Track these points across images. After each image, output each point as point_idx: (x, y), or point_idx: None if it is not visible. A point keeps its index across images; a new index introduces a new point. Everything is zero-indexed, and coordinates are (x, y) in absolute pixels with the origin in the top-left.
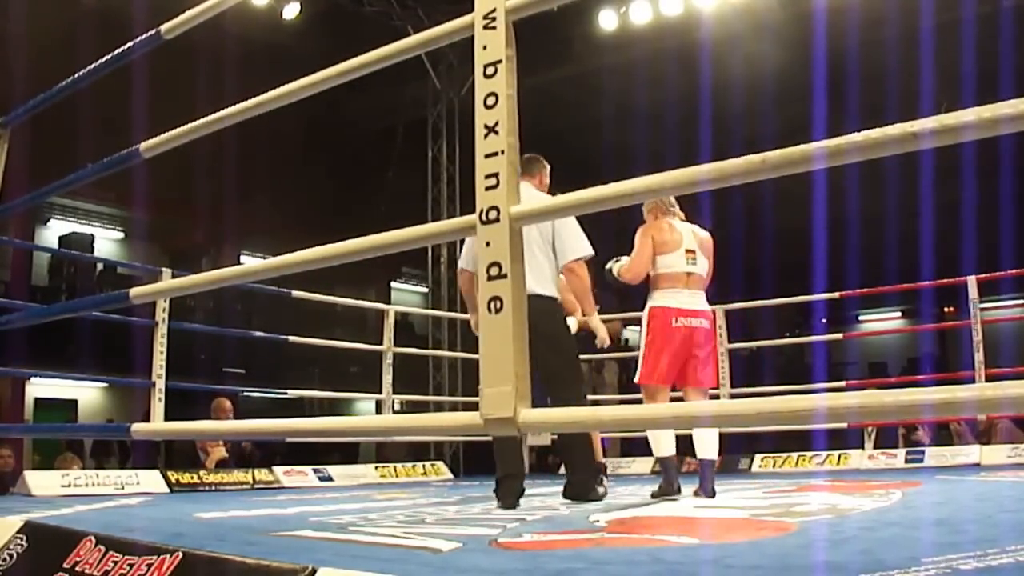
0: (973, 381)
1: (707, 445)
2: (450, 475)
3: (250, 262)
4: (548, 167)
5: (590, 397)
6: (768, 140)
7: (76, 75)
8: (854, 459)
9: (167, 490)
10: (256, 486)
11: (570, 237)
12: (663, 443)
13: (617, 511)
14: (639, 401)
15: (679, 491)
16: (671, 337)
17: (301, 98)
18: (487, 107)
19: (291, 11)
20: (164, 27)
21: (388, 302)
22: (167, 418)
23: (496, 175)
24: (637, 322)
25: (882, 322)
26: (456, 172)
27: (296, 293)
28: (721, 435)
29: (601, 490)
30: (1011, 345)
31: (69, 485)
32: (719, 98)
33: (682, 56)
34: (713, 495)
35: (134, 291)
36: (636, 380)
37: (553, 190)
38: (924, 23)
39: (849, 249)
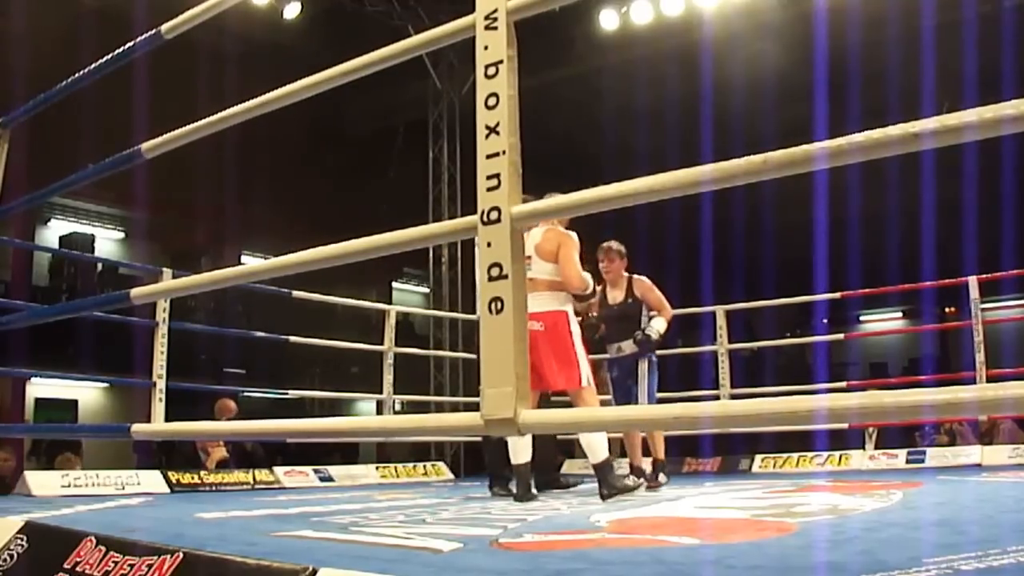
0: (974, 382)
1: (591, 450)
2: (451, 475)
3: (251, 262)
4: None
5: None
6: (769, 140)
7: (76, 75)
8: (855, 460)
9: (168, 490)
10: (257, 486)
11: None
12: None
13: (618, 511)
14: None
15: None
16: None
17: (302, 98)
18: (488, 107)
19: (292, 11)
20: (164, 27)
21: (389, 302)
22: (168, 418)
23: (497, 176)
24: None
25: (883, 322)
26: (457, 172)
27: (297, 293)
28: (721, 435)
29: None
30: (1012, 346)
31: (69, 485)
32: (720, 98)
33: (683, 56)
34: (607, 496)
35: (135, 291)
36: None
37: (554, 190)
38: (925, 23)
39: (850, 249)
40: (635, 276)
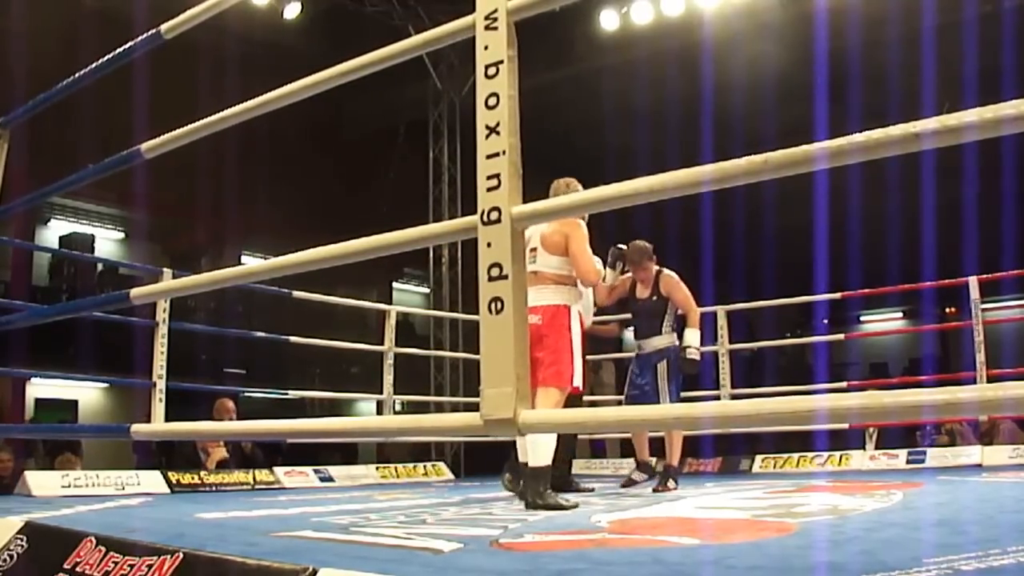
0: (974, 382)
1: (534, 450)
2: (451, 476)
3: (251, 262)
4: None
5: (589, 398)
6: (769, 140)
7: (76, 75)
8: (855, 460)
9: (168, 490)
10: (257, 486)
11: None
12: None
13: (619, 512)
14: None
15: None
16: None
17: (302, 98)
18: (488, 107)
19: (292, 11)
20: (164, 27)
21: (389, 302)
22: (168, 418)
23: (497, 176)
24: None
25: (883, 323)
26: (457, 172)
27: (297, 293)
28: (722, 435)
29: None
30: (1013, 346)
31: (69, 486)
32: (720, 98)
33: (683, 56)
34: (530, 505)
35: (135, 291)
36: None
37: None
38: (926, 23)
39: (850, 249)
40: (663, 272)
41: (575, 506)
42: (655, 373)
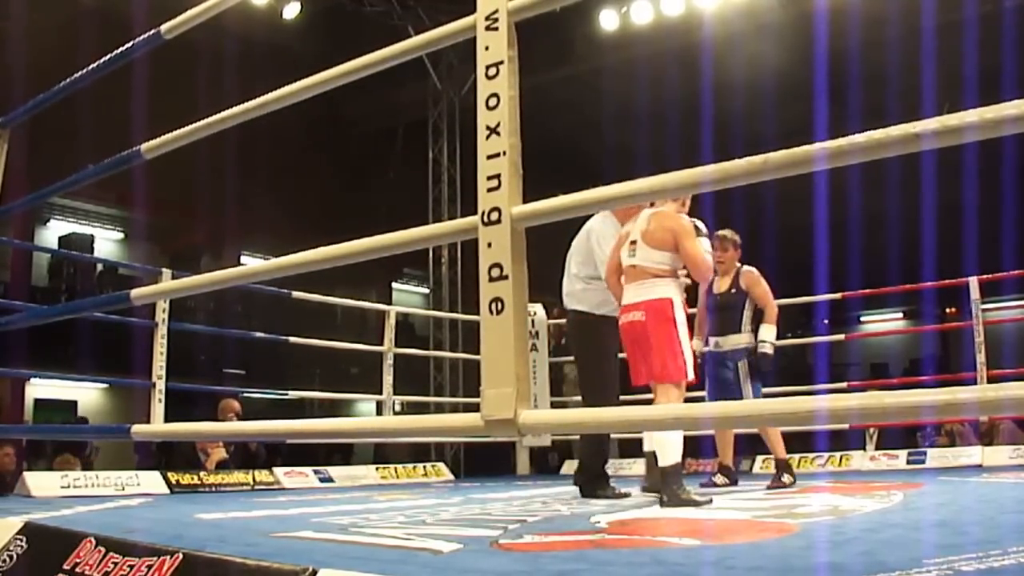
0: (975, 382)
1: (661, 451)
2: (451, 476)
3: (251, 263)
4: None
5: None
6: (769, 140)
7: (76, 75)
8: (856, 460)
9: (167, 491)
10: (256, 487)
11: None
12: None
13: (619, 512)
14: (640, 402)
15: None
16: (624, 336)
17: (302, 99)
18: (489, 108)
19: (291, 11)
20: (164, 27)
21: (389, 303)
22: (167, 419)
23: (498, 176)
24: None
25: (884, 323)
26: (457, 173)
27: (296, 294)
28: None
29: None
30: (1013, 346)
31: (69, 486)
32: (720, 98)
33: (683, 56)
34: (666, 505)
35: (135, 292)
36: None
37: (555, 191)
38: (926, 23)
39: (851, 250)
40: (744, 267)
41: (707, 502)
42: (736, 371)
